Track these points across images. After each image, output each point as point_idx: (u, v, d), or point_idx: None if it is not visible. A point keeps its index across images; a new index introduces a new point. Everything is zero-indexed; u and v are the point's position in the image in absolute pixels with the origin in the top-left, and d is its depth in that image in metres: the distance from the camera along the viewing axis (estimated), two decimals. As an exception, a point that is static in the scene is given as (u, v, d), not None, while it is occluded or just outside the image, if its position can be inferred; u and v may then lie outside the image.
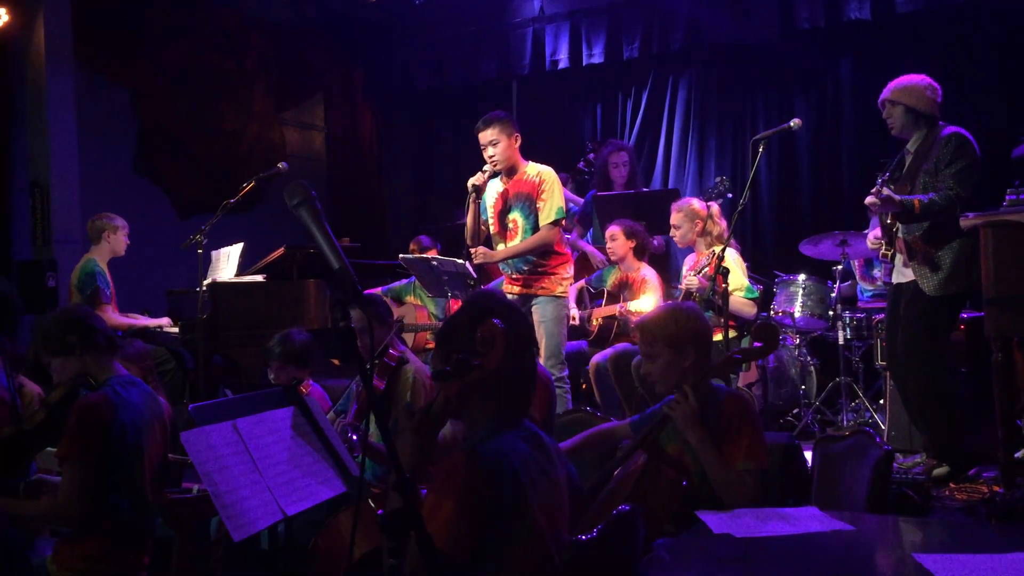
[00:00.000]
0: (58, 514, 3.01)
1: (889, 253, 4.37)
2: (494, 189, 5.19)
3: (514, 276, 5.17)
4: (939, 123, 4.37)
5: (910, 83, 4.39)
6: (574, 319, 5.88)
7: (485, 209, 5.22)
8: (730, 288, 4.75)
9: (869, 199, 4.23)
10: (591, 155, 7.33)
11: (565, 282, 5.15)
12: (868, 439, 2.72)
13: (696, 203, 5.52)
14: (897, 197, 4.16)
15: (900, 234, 4.36)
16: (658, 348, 2.88)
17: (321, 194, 9.07)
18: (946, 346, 4.37)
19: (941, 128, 4.33)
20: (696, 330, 2.90)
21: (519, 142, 5.09)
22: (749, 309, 5.19)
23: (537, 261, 5.08)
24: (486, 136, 5.03)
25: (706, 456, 2.70)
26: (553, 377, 4.98)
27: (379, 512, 2.24)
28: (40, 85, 6.82)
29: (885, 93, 4.44)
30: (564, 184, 6.33)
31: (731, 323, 4.85)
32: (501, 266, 5.26)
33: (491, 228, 5.22)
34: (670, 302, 3.89)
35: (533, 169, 5.11)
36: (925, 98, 4.33)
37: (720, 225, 5.43)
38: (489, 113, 5.10)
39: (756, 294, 5.35)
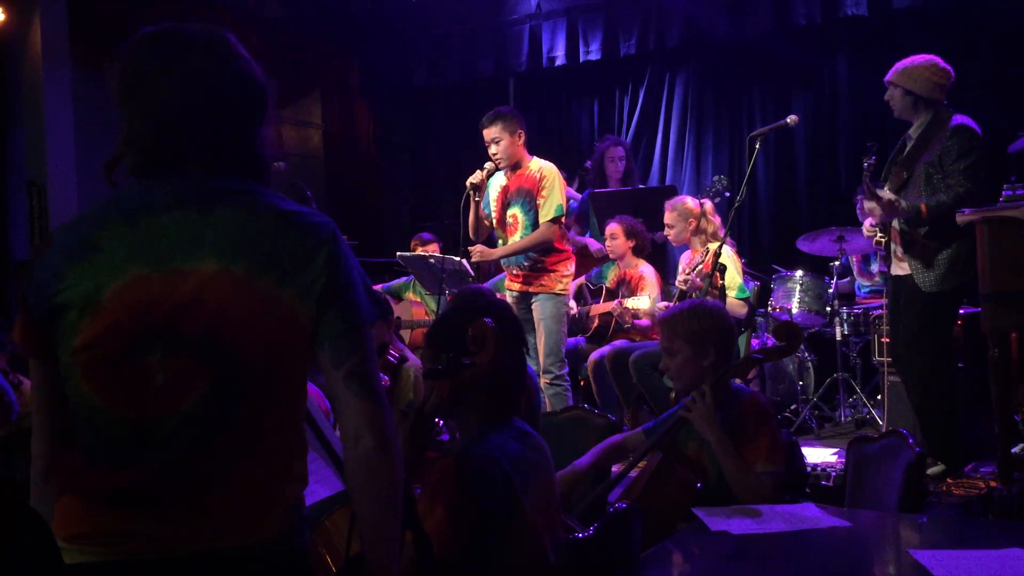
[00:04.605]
0: None
1: (884, 241, 4.30)
2: (497, 183, 5.15)
3: (515, 272, 5.14)
4: (946, 109, 4.23)
5: (911, 65, 4.25)
6: (573, 311, 5.87)
7: (488, 203, 5.17)
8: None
9: (869, 205, 4.14)
10: (597, 154, 7.31)
11: (565, 279, 5.09)
12: (901, 440, 2.67)
13: (689, 201, 5.50)
14: (902, 203, 4.07)
15: (895, 225, 4.29)
16: (678, 344, 2.86)
17: (318, 191, 9.02)
18: (948, 342, 4.32)
19: (949, 116, 4.19)
20: (719, 329, 2.87)
21: (523, 139, 5.04)
22: (740, 309, 5.16)
23: (537, 258, 5.04)
24: (490, 133, 4.98)
25: (725, 457, 2.67)
26: (552, 375, 4.99)
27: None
28: (36, 84, 6.79)
29: (888, 75, 4.32)
30: (569, 183, 6.29)
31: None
32: (503, 262, 5.24)
33: (493, 222, 5.20)
34: (697, 299, 3.86)
35: (536, 165, 5.06)
36: (925, 80, 4.19)
37: (714, 222, 5.41)
38: (494, 109, 5.05)
39: (748, 294, 5.33)
